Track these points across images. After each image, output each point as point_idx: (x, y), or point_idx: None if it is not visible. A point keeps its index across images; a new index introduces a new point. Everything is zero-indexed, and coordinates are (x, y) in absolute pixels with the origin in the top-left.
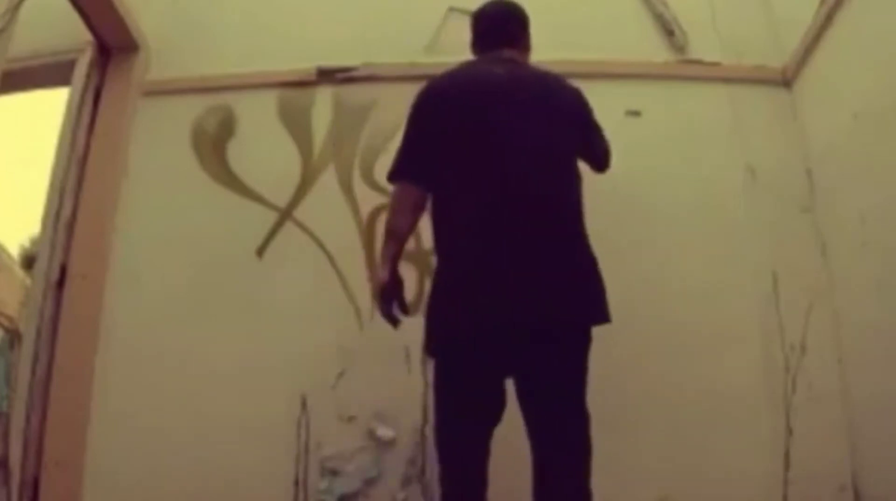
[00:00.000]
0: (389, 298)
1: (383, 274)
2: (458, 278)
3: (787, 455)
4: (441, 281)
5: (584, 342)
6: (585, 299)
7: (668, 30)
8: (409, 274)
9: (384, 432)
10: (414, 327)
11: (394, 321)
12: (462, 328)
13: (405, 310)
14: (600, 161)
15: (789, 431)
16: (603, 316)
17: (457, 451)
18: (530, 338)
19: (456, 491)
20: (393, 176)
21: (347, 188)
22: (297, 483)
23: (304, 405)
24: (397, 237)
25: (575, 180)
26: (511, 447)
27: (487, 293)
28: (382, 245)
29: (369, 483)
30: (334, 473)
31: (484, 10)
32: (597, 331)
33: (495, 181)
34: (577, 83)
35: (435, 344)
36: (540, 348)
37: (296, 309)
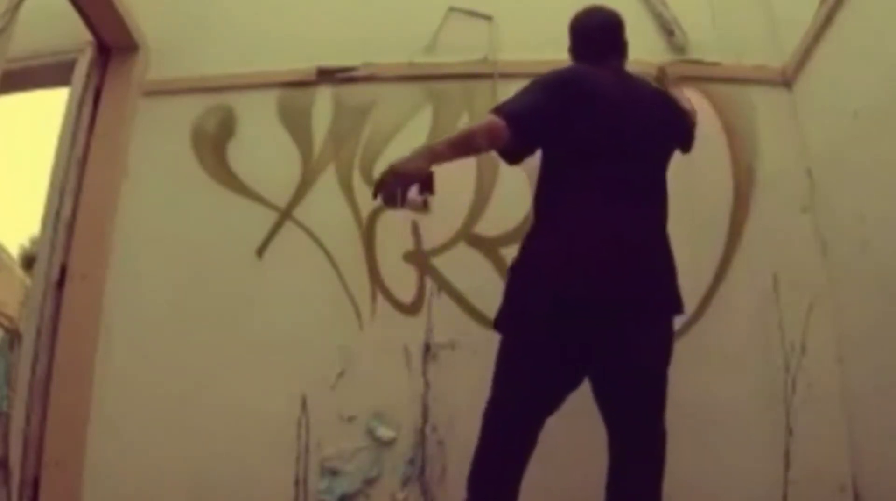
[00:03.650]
0: (405, 183)
1: (418, 160)
2: (574, 251)
3: (787, 455)
4: (548, 250)
5: (671, 332)
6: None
7: (668, 30)
8: (409, 273)
9: (384, 432)
10: (414, 327)
11: (392, 201)
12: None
13: (403, 200)
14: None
15: (789, 431)
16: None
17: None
18: (630, 316)
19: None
20: (507, 117)
21: (347, 188)
22: (297, 482)
23: (304, 405)
24: (461, 148)
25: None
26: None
27: (607, 270)
28: (440, 143)
29: (369, 483)
30: (334, 473)
31: (594, 16)
32: None
33: (621, 179)
34: None
35: (527, 313)
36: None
37: (296, 309)
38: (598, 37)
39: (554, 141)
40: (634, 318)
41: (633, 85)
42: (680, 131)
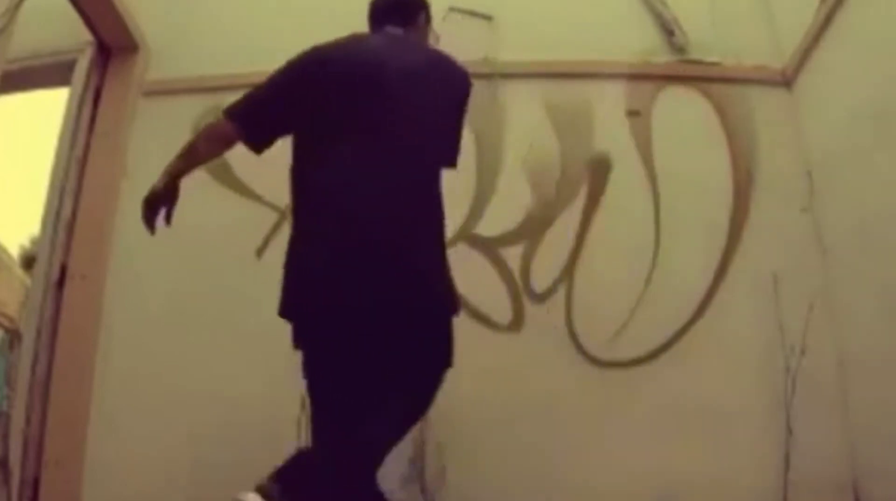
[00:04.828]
0: (158, 203)
1: (158, 183)
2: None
3: (787, 456)
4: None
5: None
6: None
7: (668, 30)
8: None
9: None
10: None
11: (152, 228)
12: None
13: (168, 220)
14: (454, 155)
15: (789, 431)
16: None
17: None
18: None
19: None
20: (235, 118)
21: None
22: None
23: (304, 405)
24: (191, 158)
25: (440, 163)
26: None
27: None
28: (175, 157)
29: None
30: None
31: None
32: (594, 331)
33: (372, 153)
34: (577, 83)
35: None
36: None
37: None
38: (374, 5)
39: (298, 123)
40: (381, 321)
41: (403, 50)
42: (457, 95)
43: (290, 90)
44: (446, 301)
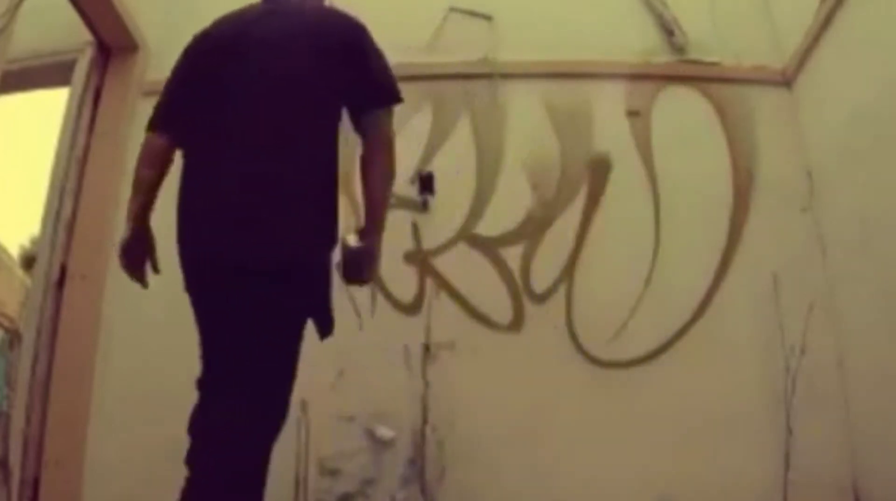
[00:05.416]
0: (132, 256)
1: (125, 232)
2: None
3: (787, 456)
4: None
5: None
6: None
7: (668, 30)
8: (409, 274)
9: (384, 432)
10: (414, 327)
11: (141, 281)
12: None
13: (155, 269)
14: (379, 95)
15: (789, 431)
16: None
17: None
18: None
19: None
20: (149, 126)
21: (347, 188)
22: (296, 482)
23: (303, 405)
24: (139, 189)
25: (323, 121)
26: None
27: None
28: (129, 201)
29: (369, 482)
30: (334, 473)
31: None
32: (594, 331)
33: (229, 122)
34: (577, 83)
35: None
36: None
37: None
38: None
39: (192, 107)
40: (222, 277)
41: (276, 16)
42: (339, 41)
43: (181, 74)
44: (297, 264)
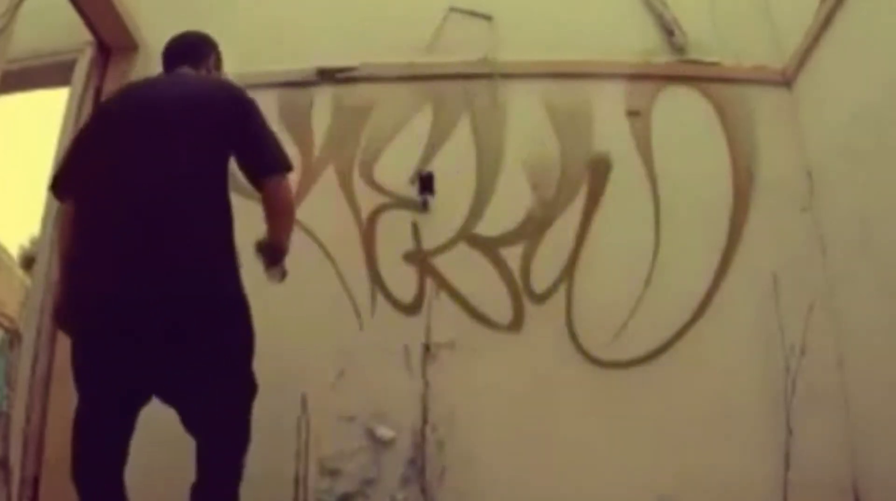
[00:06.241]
0: (66, 314)
1: (58, 293)
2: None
3: (787, 456)
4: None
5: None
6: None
7: (668, 30)
8: (409, 274)
9: (384, 432)
10: (414, 327)
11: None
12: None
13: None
14: (262, 168)
15: (789, 431)
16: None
17: None
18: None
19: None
20: (50, 192)
21: (347, 188)
22: (296, 482)
23: (304, 405)
24: (63, 256)
25: (209, 193)
26: None
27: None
28: (57, 263)
29: (368, 482)
30: (334, 473)
31: (167, 42)
32: (594, 331)
33: (114, 195)
34: (577, 83)
35: None
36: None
37: (296, 309)
38: (167, 49)
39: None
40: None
41: (170, 85)
42: (226, 127)
43: (81, 138)
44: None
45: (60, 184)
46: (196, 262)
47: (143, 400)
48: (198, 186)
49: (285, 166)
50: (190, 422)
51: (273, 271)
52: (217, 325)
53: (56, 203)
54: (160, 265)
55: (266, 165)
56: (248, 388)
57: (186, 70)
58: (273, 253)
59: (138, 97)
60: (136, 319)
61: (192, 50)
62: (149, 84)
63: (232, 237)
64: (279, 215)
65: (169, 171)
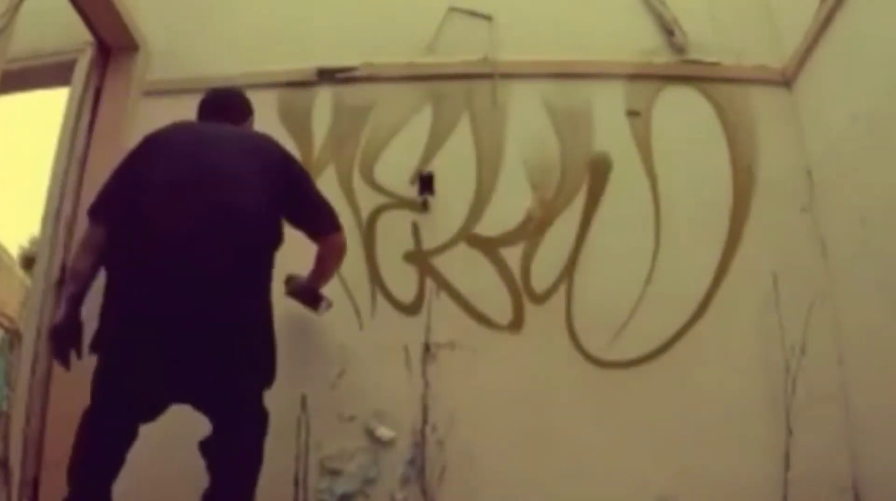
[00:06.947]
0: (63, 340)
1: (58, 315)
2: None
3: (787, 456)
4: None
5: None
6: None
7: (668, 30)
8: (409, 274)
9: (384, 432)
10: (414, 327)
11: (65, 363)
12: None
13: (79, 354)
14: (323, 227)
15: (789, 431)
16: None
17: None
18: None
19: None
20: (89, 213)
21: (347, 188)
22: (296, 482)
23: (304, 404)
24: (76, 279)
25: (261, 253)
26: None
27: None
28: (66, 283)
29: (369, 482)
30: (334, 473)
31: (209, 93)
32: (594, 331)
33: (168, 234)
34: (577, 83)
35: None
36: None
37: (295, 309)
38: (205, 103)
39: (129, 201)
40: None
41: (223, 136)
42: (278, 180)
43: (125, 170)
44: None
45: (100, 210)
46: (236, 309)
47: (157, 416)
48: (251, 243)
49: (339, 223)
50: (208, 447)
51: (321, 306)
52: (250, 360)
53: (55, 203)
54: (204, 303)
55: (326, 224)
56: (265, 422)
57: (228, 126)
58: (312, 296)
59: (190, 141)
60: (178, 344)
61: (234, 107)
62: (199, 129)
63: (269, 291)
64: (334, 265)
65: (224, 221)
